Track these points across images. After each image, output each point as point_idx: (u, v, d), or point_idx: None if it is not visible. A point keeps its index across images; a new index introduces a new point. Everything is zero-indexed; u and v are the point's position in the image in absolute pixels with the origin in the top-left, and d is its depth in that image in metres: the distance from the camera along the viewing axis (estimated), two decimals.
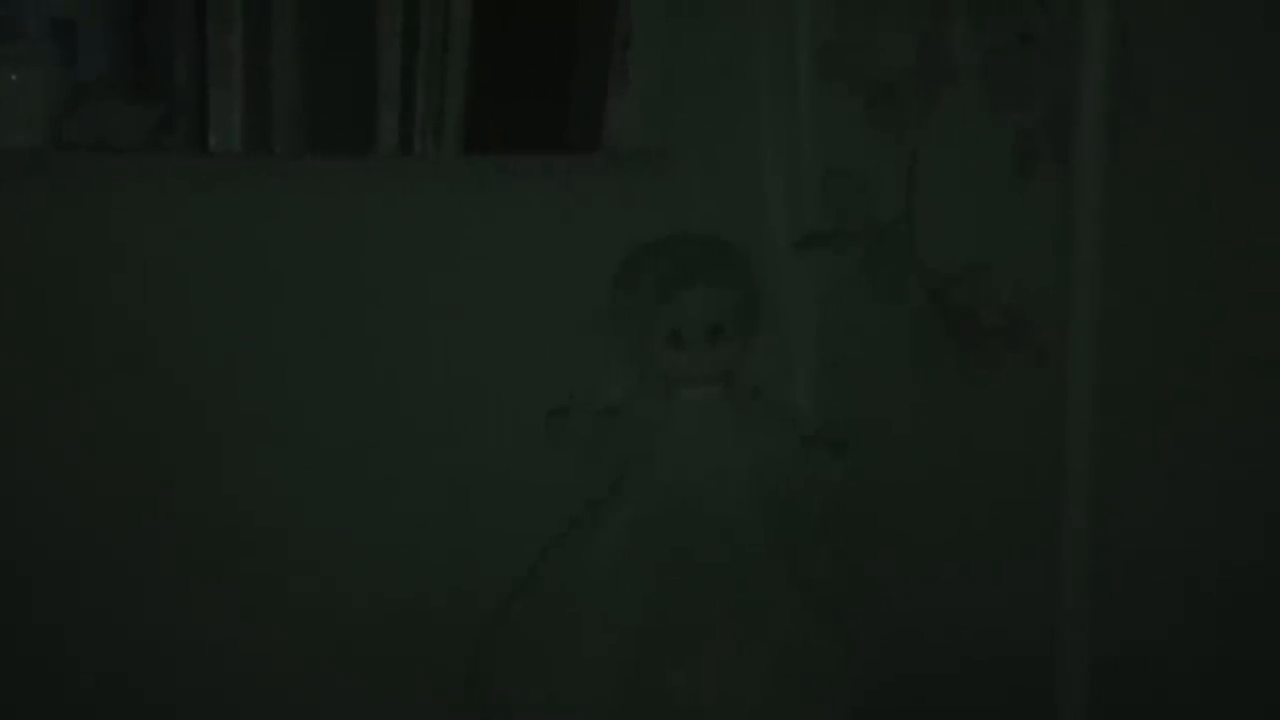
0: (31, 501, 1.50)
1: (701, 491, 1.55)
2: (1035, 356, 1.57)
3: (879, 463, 1.63)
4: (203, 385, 1.55)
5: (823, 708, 1.53)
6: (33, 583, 1.51)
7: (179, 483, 1.56)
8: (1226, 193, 1.48)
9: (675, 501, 1.55)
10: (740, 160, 1.65)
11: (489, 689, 1.56)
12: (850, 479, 1.57)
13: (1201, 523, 1.53)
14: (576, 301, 1.59)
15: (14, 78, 1.46)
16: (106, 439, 1.53)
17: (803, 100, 1.65)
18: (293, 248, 1.56)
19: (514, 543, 1.58)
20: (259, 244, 1.55)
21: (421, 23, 1.56)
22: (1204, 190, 1.50)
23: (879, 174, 1.61)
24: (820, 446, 1.59)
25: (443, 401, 1.63)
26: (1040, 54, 1.54)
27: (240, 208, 1.54)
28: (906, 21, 1.58)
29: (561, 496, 1.58)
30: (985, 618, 1.62)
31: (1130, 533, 1.53)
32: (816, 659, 1.53)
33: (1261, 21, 1.42)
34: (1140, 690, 1.55)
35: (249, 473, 1.57)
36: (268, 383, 1.57)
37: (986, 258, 1.60)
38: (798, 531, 1.59)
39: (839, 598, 1.57)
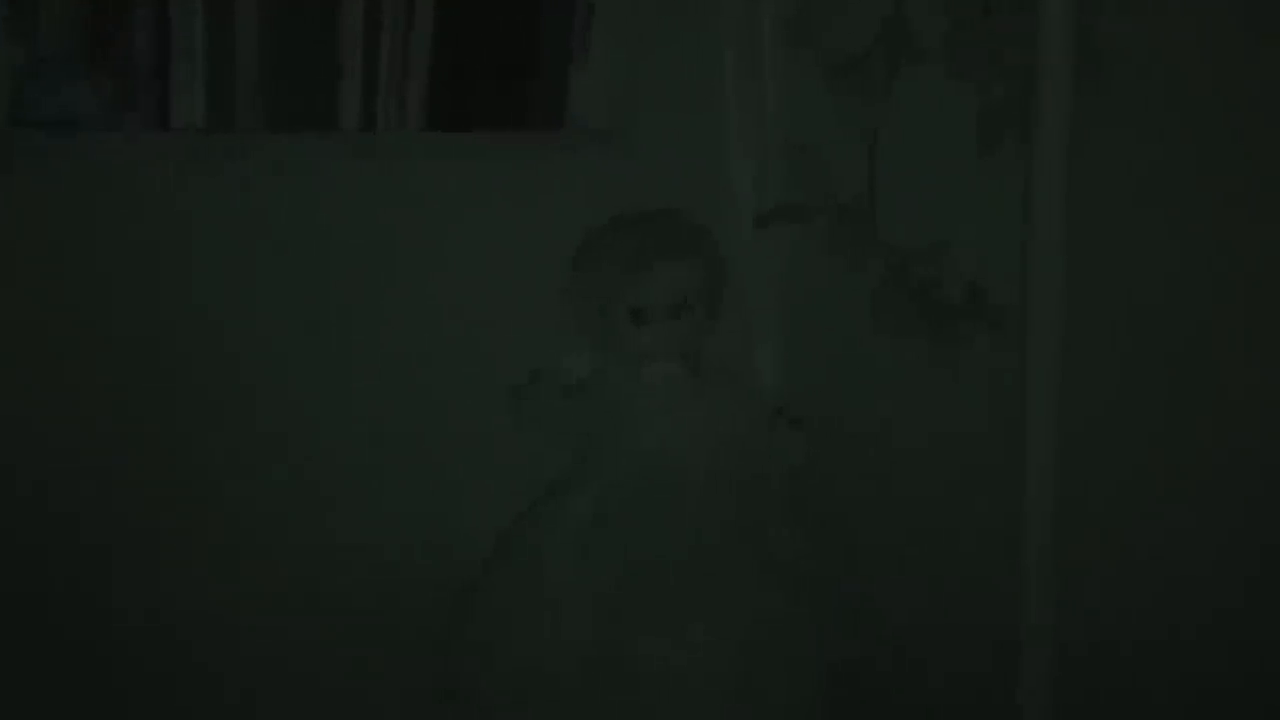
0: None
1: (666, 467, 1.55)
2: (998, 332, 1.57)
3: (842, 437, 1.63)
4: (161, 360, 1.56)
5: (790, 684, 1.53)
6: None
7: (151, 456, 1.58)
8: (1190, 166, 1.48)
9: (641, 476, 1.55)
10: (704, 136, 1.65)
11: (458, 657, 1.56)
12: (814, 454, 1.57)
13: (1167, 500, 1.53)
14: (539, 278, 1.59)
15: None
16: (71, 415, 1.54)
17: (767, 75, 1.64)
18: (253, 224, 1.56)
19: (477, 520, 1.58)
20: (220, 220, 1.55)
21: None
22: (1168, 164, 1.49)
23: (842, 148, 1.61)
24: (782, 423, 1.58)
25: (405, 378, 1.63)
26: (1003, 27, 1.54)
27: (201, 183, 1.54)
28: None
29: (525, 475, 1.58)
30: (950, 589, 1.62)
31: (1094, 510, 1.53)
32: (783, 636, 1.52)
33: None
34: (1105, 662, 1.55)
35: (216, 446, 1.59)
36: (223, 358, 1.57)
37: (949, 233, 1.59)
38: (765, 507, 1.59)
39: (806, 573, 1.57)
